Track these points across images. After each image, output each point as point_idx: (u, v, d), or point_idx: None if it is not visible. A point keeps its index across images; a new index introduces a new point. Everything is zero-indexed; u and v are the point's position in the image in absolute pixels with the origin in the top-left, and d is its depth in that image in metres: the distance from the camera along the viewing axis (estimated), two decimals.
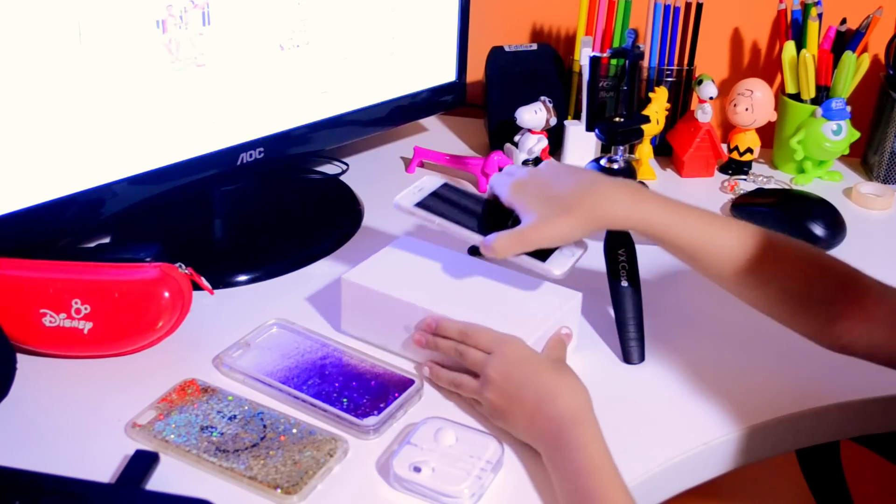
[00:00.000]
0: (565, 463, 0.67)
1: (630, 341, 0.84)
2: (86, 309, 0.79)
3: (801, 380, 0.82)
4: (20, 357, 0.78)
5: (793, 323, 0.78)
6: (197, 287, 0.84)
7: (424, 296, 0.81)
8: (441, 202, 0.86)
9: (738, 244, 0.77)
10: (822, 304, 0.76)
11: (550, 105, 1.14)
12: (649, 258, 0.88)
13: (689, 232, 0.77)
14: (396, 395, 0.77)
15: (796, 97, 1.22)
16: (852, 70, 1.17)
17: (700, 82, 1.20)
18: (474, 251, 0.99)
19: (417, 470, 0.68)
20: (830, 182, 1.23)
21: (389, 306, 0.81)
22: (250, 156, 0.97)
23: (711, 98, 1.19)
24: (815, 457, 1.15)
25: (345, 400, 0.76)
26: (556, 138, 1.23)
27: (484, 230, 0.81)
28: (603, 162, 1.04)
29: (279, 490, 0.67)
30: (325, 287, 0.95)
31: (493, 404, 0.73)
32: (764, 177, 1.22)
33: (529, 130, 1.16)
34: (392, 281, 0.83)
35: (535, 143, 1.15)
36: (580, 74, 1.25)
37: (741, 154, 1.22)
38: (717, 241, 0.77)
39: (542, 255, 0.80)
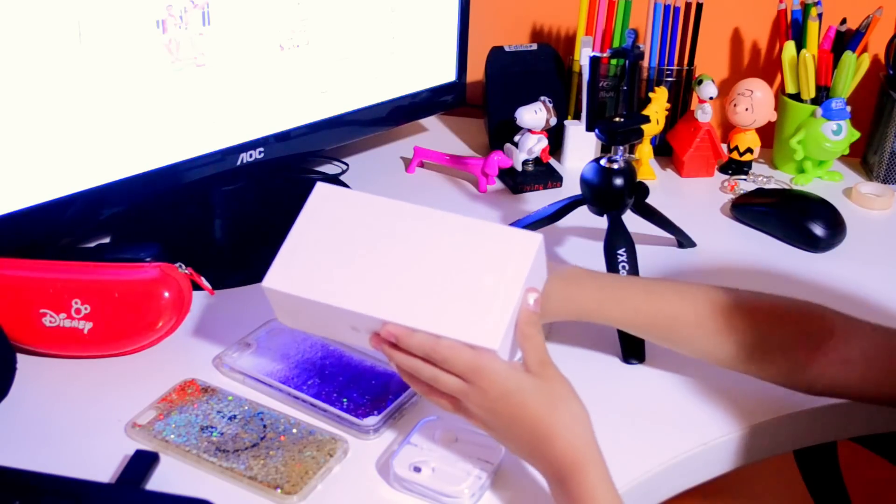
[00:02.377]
0: None
1: (630, 341, 0.84)
2: (86, 309, 0.79)
3: None
4: (20, 357, 0.78)
5: (760, 373, 0.77)
6: (197, 287, 0.84)
7: (359, 292, 0.68)
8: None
9: (682, 310, 0.75)
10: (783, 353, 0.74)
11: (550, 105, 1.14)
12: (649, 258, 0.88)
13: (624, 307, 0.76)
14: (396, 395, 0.77)
15: (796, 97, 1.22)
16: (852, 70, 1.17)
17: (700, 82, 1.20)
18: None
19: (417, 470, 0.68)
20: (830, 182, 1.23)
21: (324, 312, 0.69)
22: (250, 156, 0.97)
23: (711, 98, 1.19)
24: (812, 457, 1.15)
25: (345, 400, 0.76)
26: (556, 138, 1.23)
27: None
28: (603, 162, 1.04)
29: (279, 490, 0.67)
30: None
31: (485, 431, 0.67)
32: (764, 177, 1.22)
33: (529, 130, 1.16)
34: (320, 274, 0.69)
35: (535, 143, 1.15)
36: (580, 74, 1.25)
37: (741, 154, 1.22)
38: (661, 310, 0.76)
39: None
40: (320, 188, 0.74)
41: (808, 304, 0.75)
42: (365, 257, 0.69)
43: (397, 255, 0.69)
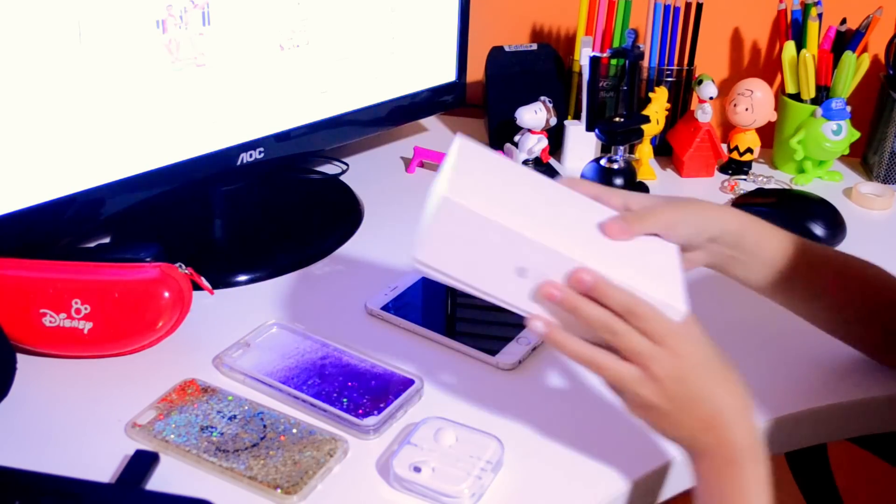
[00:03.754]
0: (724, 500, 0.62)
1: None
2: (86, 309, 0.79)
3: (800, 380, 0.82)
4: (20, 357, 0.78)
5: (850, 341, 0.79)
6: (197, 287, 0.84)
7: (548, 231, 0.62)
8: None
9: (781, 253, 0.75)
10: (881, 327, 0.76)
11: (550, 105, 1.14)
12: None
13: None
14: (396, 395, 0.77)
15: (796, 97, 1.22)
16: (852, 70, 1.17)
17: (700, 82, 1.20)
18: None
19: (417, 470, 0.68)
20: (830, 182, 1.23)
21: (500, 245, 0.62)
22: (250, 156, 0.97)
23: (711, 98, 1.19)
24: (803, 457, 1.15)
25: (345, 400, 0.76)
26: (556, 138, 1.23)
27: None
28: (603, 162, 1.04)
29: (279, 490, 0.67)
30: (325, 287, 0.95)
31: (647, 403, 0.62)
32: (764, 177, 1.22)
33: (529, 130, 1.16)
34: (502, 203, 0.63)
35: (535, 143, 1.15)
36: (580, 74, 1.25)
37: (741, 154, 1.22)
38: (765, 242, 0.75)
39: (492, 344, 0.81)
40: (462, 139, 0.70)
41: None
42: (541, 205, 0.65)
43: (571, 213, 0.66)
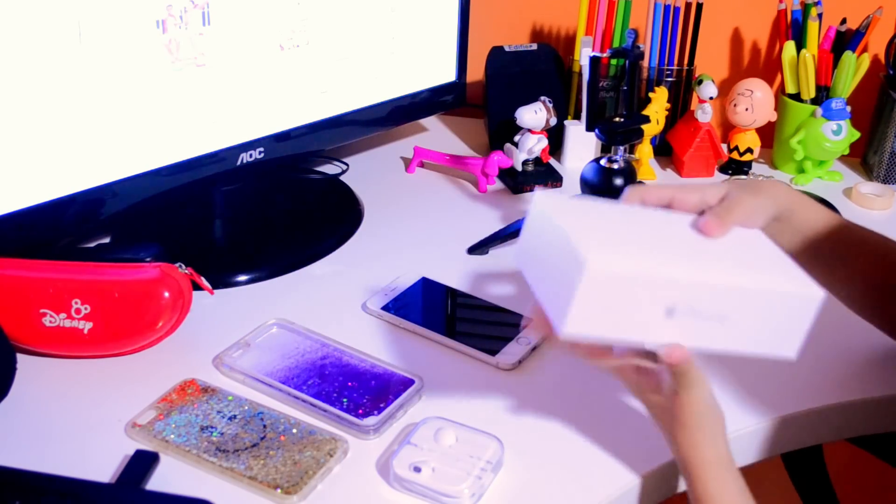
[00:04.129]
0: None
1: None
2: (86, 309, 0.79)
3: (801, 380, 0.82)
4: (20, 357, 0.78)
5: (874, 318, 0.80)
6: (197, 287, 0.84)
7: (679, 262, 0.63)
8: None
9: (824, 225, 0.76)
10: None
11: (550, 105, 1.14)
12: None
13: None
14: (396, 395, 0.77)
15: (796, 97, 1.22)
16: (852, 70, 1.17)
17: (700, 82, 1.20)
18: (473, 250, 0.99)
19: (417, 470, 0.68)
20: (830, 182, 1.23)
21: (647, 293, 0.61)
22: (250, 156, 0.97)
23: (711, 98, 1.19)
24: (799, 457, 1.15)
25: (345, 400, 0.76)
26: (556, 138, 1.23)
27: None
28: (603, 162, 1.04)
29: (279, 490, 0.67)
30: (325, 287, 0.95)
31: (657, 407, 0.70)
32: (764, 177, 1.22)
33: (529, 130, 1.16)
34: (632, 250, 0.63)
35: (535, 143, 1.15)
36: (580, 74, 1.25)
37: (741, 154, 1.22)
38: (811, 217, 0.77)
39: (492, 345, 0.81)
40: (541, 195, 0.68)
41: None
42: (647, 237, 0.65)
43: (670, 232, 0.67)
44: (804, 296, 0.63)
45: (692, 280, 0.61)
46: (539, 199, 0.67)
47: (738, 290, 0.63)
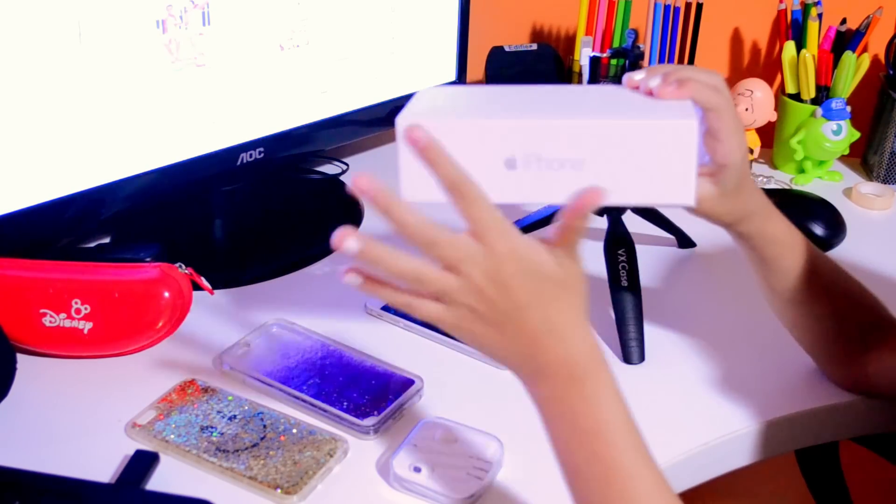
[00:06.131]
0: (577, 419, 0.55)
1: (630, 341, 0.84)
2: (86, 309, 0.79)
3: (801, 380, 0.82)
4: (20, 357, 0.78)
5: (817, 354, 0.79)
6: (197, 287, 0.84)
7: (523, 112, 0.59)
8: None
9: (799, 258, 0.73)
10: (846, 342, 0.76)
11: None
12: (649, 258, 0.88)
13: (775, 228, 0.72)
14: (396, 395, 0.77)
15: (796, 97, 1.22)
16: (852, 70, 1.17)
17: None
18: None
19: (417, 470, 0.68)
20: (830, 182, 1.23)
21: (475, 144, 0.57)
22: (250, 156, 0.97)
23: None
24: (814, 457, 1.15)
25: (345, 400, 0.76)
26: None
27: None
28: None
29: (279, 490, 0.67)
30: (325, 287, 0.95)
31: (467, 314, 0.55)
32: (764, 177, 1.22)
33: None
34: (467, 109, 0.60)
35: None
36: (580, 74, 1.25)
37: None
38: (788, 249, 0.74)
39: None
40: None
41: (873, 297, 0.77)
42: (518, 98, 0.62)
43: (565, 96, 0.63)
44: (670, 126, 0.56)
45: (523, 125, 0.56)
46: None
47: (583, 128, 0.56)
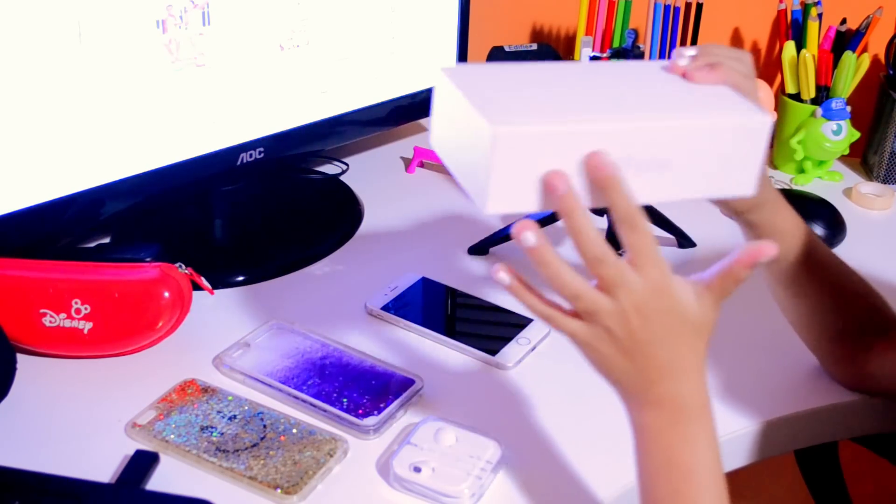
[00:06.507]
0: (672, 455, 0.57)
1: None
2: (86, 309, 0.79)
3: (801, 380, 0.82)
4: (20, 357, 0.78)
5: (817, 349, 0.79)
6: (197, 287, 0.84)
7: (606, 110, 0.58)
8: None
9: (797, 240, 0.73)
10: (854, 339, 0.76)
11: None
12: None
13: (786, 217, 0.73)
14: (396, 395, 0.77)
15: (796, 97, 1.22)
16: (852, 70, 1.17)
17: None
18: (475, 250, 0.98)
19: (417, 470, 0.68)
20: (830, 182, 1.23)
21: (576, 147, 0.55)
22: (250, 156, 0.97)
23: None
24: (813, 457, 1.15)
25: (345, 400, 0.76)
26: None
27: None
28: None
29: (279, 490, 0.67)
30: (325, 287, 0.95)
31: (605, 336, 0.56)
32: None
33: None
34: (545, 108, 0.57)
35: None
36: None
37: None
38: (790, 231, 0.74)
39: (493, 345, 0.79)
40: (448, 70, 0.61)
41: (878, 295, 0.76)
42: (570, 90, 0.60)
43: (607, 84, 0.62)
44: (749, 124, 0.59)
45: (617, 128, 0.56)
46: (444, 74, 0.61)
47: (673, 130, 0.57)
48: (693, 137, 0.58)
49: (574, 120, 0.56)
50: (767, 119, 0.59)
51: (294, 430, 0.73)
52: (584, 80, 0.63)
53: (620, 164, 0.55)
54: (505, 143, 0.54)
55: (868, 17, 1.19)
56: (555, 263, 0.55)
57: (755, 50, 1.32)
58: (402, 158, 1.25)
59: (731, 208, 0.72)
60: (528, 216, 0.57)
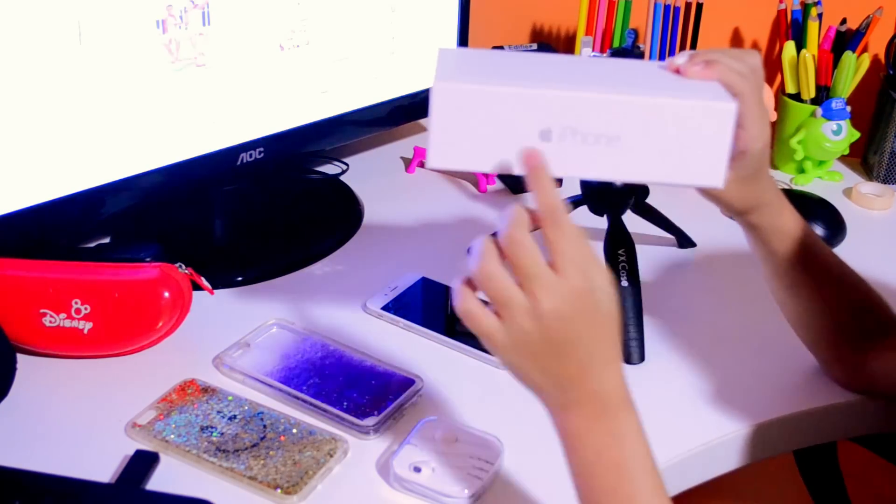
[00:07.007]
0: (601, 453, 0.57)
1: (630, 341, 0.84)
2: (86, 309, 0.79)
3: (801, 380, 0.82)
4: (20, 357, 0.78)
5: (815, 348, 0.79)
6: (197, 287, 0.84)
7: (559, 83, 0.58)
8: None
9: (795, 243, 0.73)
10: (853, 339, 0.76)
11: None
12: (649, 258, 0.88)
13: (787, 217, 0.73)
14: (396, 395, 0.77)
15: (796, 97, 1.22)
16: (852, 70, 1.17)
17: None
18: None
19: (417, 470, 0.68)
20: (830, 182, 1.23)
21: (511, 113, 0.57)
22: (250, 156, 0.97)
23: None
24: (812, 457, 1.15)
25: (345, 401, 0.76)
26: None
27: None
28: None
29: (279, 490, 0.67)
30: (325, 287, 0.95)
31: (520, 337, 0.55)
32: None
33: None
34: (507, 77, 0.59)
35: None
36: None
37: None
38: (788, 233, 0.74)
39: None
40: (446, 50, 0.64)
41: (878, 295, 0.77)
42: (551, 68, 0.61)
43: (595, 68, 0.63)
44: (709, 107, 0.57)
45: (561, 96, 0.56)
46: (439, 53, 0.63)
47: (621, 104, 0.56)
48: (646, 115, 0.57)
49: (519, 84, 0.57)
50: (732, 105, 0.58)
51: (294, 430, 0.73)
52: (568, 66, 0.63)
53: (564, 134, 0.56)
54: (443, 96, 0.56)
55: (868, 17, 1.19)
56: (487, 242, 0.57)
57: (755, 50, 1.32)
58: (402, 158, 1.25)
59: (732, 209, 0.72)
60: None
